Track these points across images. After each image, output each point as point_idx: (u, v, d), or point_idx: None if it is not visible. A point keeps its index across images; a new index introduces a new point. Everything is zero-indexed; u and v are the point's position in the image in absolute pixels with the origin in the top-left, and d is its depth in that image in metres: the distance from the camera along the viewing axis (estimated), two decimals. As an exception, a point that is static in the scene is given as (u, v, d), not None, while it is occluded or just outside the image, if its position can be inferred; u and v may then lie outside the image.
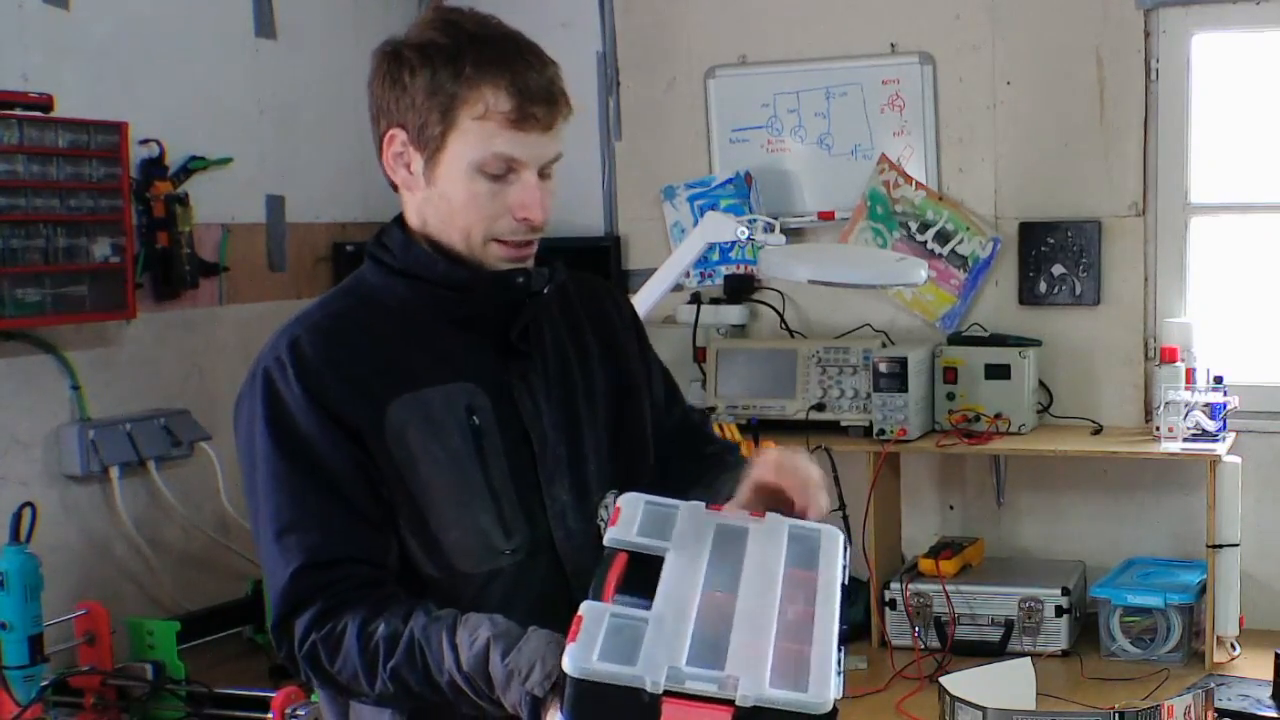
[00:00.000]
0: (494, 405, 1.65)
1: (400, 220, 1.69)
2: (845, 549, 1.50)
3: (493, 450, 1.64)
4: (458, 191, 1.61)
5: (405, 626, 1.52)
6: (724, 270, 3.78)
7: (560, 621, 1.42)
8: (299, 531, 1.58)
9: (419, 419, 1.61)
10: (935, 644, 3.26)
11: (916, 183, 3.60)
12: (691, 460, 1.85)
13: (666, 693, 1.25)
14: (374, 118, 1.66)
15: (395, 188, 1.68)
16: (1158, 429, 3.23)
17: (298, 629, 1.56)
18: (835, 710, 1.26)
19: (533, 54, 1.62)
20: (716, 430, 2.73)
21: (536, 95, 1.59)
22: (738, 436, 3.17)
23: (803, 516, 1.58)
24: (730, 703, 1.24)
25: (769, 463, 1.65)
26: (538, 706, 1.40)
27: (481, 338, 1.67)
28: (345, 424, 1.59)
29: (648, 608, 1.34)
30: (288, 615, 1.57)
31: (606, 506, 1.71)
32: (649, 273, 3.34)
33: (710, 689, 1.25)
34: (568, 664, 1.27)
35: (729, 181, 3.74)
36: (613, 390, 1.77)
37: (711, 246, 3.37)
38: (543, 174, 1.63)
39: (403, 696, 1.54)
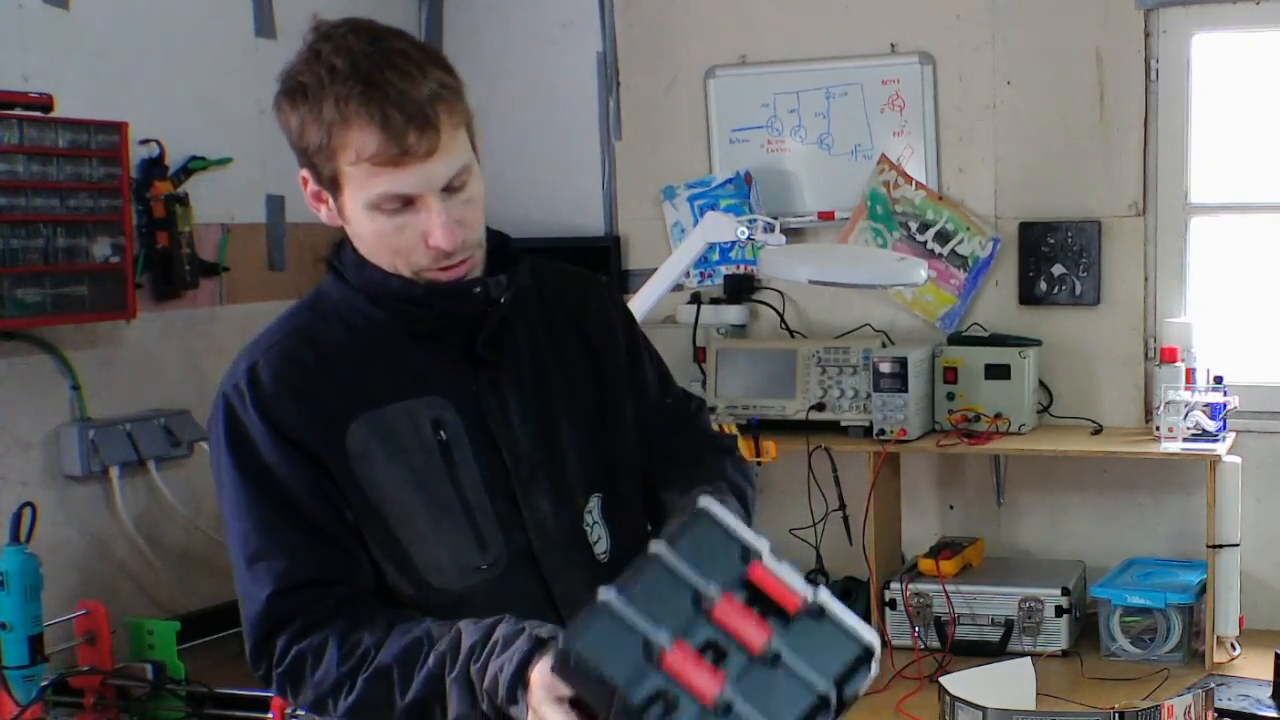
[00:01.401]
0: (462, 417, 1.63)
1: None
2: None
3: (464, 463, 1.62)
4: (365, 230, 1.59)
5: (387, 636, 1.53)
6: (724, 270, 3.78)
7: None
8: (267, 558, 1.60)
9: (381, 437, 1.60)
10: (935, 644, 3.26)
11: (916, 183, 3.60)
12: (667, 457, 1.82)
13: (756, 558, 1.30)
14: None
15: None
16: (1158, 429, 3.23)
17: (278, 646, 1.58)
18: (873, 653, 1.31)
19: (399, 73, 1.51)
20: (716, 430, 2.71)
21: (404, 127, 1.50)
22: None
23: None
24: (799, 596, 1.30)
25: None
26: (526, 662, 1.40)
27: (446, 349, 1.65)
28: (305, 449, 1.58)
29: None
30: (265, 638, 1.59)
31: (591, 512, 1.69)
32: (649, 273, 3.34)
33: (792, 579, 1.30)
34: (602, 594, 1.26)
35: (729, 181, 3.74)
36: (594, 385, 1.75)
37: (711, 246, 3.37)
38: (451, 188, 1.57)
39: (377, 708, 1.53)
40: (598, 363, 1.77)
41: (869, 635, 1.31)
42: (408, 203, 1.55)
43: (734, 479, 1.78)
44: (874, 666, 1.33)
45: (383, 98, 1.50)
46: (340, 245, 1.69)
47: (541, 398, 1.69)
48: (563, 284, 1.80)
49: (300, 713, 1.70)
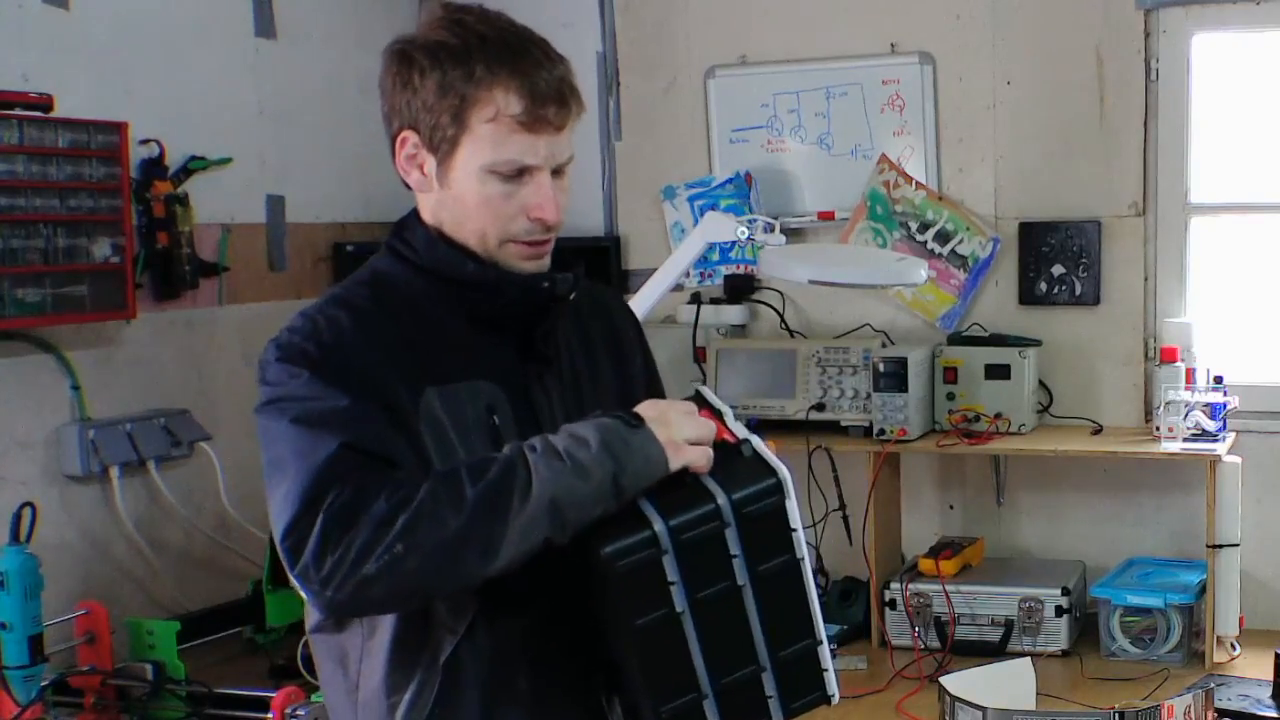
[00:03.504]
0: (512, 407, 1.65)
1: (419, 216, 1.69)
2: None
3: None
4: (471, 194, 1.61)
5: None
6: (724, 270, 3.78)
7: (579, 614, 1.53)
8: (338, 426, 1.51)
9: (449, 411, 1.60)
10: (935, 644, 3.26)
11: (916, 183, 3.60)
12: None
13: (706, 408, 1.62)
14: (386, 118, 1.65)
15: (409, 187, 1.68)
16: (1158, 429, 3.23)
17: (326, 502, 1.46)
18: (784, 486, 1.55)
19: (542, 51, 1.62)
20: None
21: (548, 96, 1.59)
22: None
23: None
24: (736, 437, 1.58)
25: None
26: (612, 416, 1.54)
27: (502, 338, 1.67)
28: (383, 394, 1.56)
29: None
30: (313, 501, 1.46)
31: None
32: (649, 273, 3.34)
33: (736, 427, 1.59)
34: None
35: (729, 181, 3.74)
36: (619, 398, 1.78)
37: (711, 246, 3.37)
38: (557, 173, 1.63)
39: (439, 514, 1.45)
40: (621, 375, 1.82)
41: (783, 470, 1.54)
42: (522, 172, 1.60)
43: None
44: (790, 495, 1.56)
45: (533, 65, 1.59)
46: (403, 227, 1.70)
47: (577, 400, 1.73)
48: (595, 295, 1.84)
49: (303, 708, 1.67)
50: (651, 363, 1.92)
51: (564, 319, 1.73)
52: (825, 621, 3.46)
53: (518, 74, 1.58)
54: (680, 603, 1.52)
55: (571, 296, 1.70)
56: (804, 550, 1.57)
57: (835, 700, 1.63)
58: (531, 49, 1.61)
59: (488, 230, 1.63)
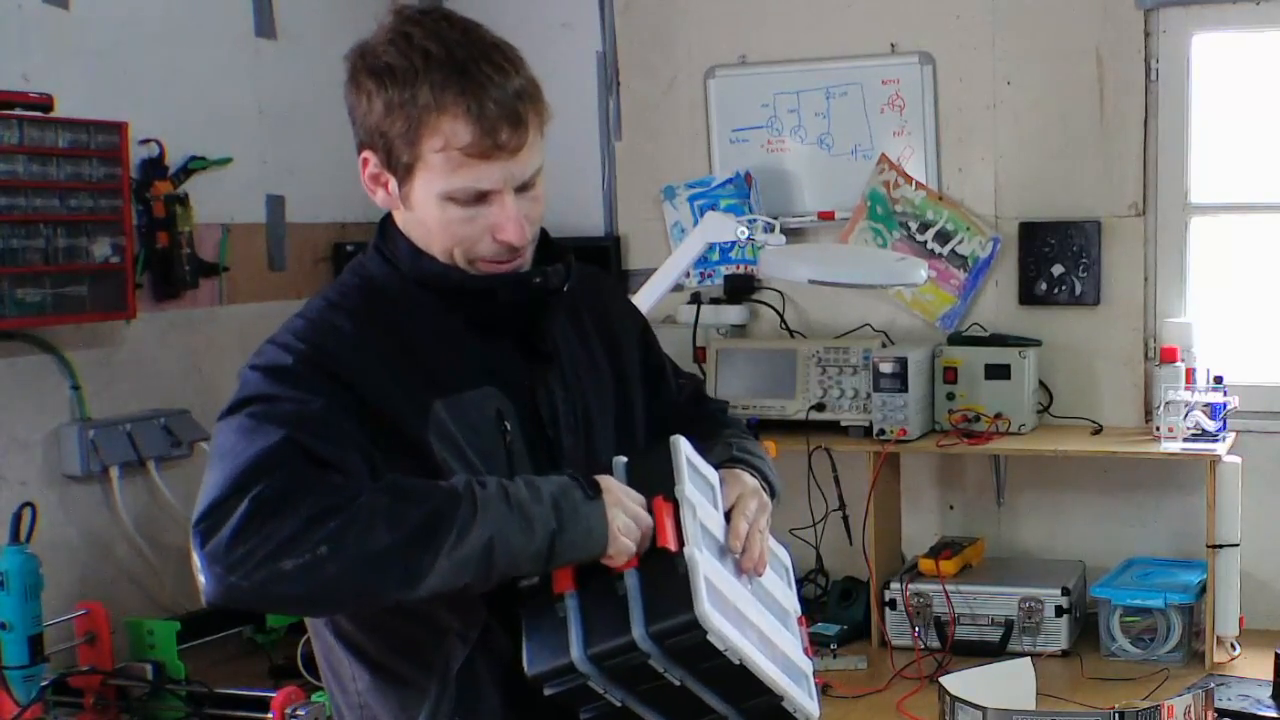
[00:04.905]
0: (517, 410, 1.62)
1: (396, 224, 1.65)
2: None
3: (519, 454, 1.61)
4: (432, 218, 1.57)
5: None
6: (724, 270, 3.78)
7: None
8: (290, 423, 1.44)
9: (461, 424, 1.56)
10: (935, 644, 3.26)
11: (916, 183, 3.60)
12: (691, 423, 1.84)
13: (664, 495, 1.52)
14: (353, 132, 1.62)
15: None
16: (1158, 429, 3.23)
17: (248, 495, 1.38)
18: (703, 622, 1.43)
19: (493, 66, 1.53)
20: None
21: (498, 121, 1.51)
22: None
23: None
24: (675, 546, 1.49)
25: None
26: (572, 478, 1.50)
27: (501, 338, 1.64)
28: (384, 415, 1.51)
29: None
30: (234, 492, 1.38)
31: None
32: (649, 273, 3.34)
33: (691, 527, 1.51)
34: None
35: (729, 181, 3.74)
36: (614, 382, 1.76)
37: (711, 246, 3.36)
38: (524, 188, 1.58)
39: (371, 528, 1.39)
40: (617, 360, 1.78)
41: (702, 608, 1.43)
42: (482, 196, 1.55)
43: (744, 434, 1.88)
44: (710, 632, 1.44)
45: (480, 90, 1.50)
46: (386, 234, 1.66)
47: (579, 393, 1.70)
48: (586, 283, 1.79)
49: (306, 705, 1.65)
50: (648, 335, 1.87)
51: (559, 313, 1.70)
52: (825, 621, 3.47)
53: (464, 97, 1.50)
54: (618, 699, 1.50)
55: (565, 288, 1.66)
56: (743, 653, 1.49)
57: (816, 718, 1.62)
58: (480, 65, 1.51)
59: (453, 251, 1.59)
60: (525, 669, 1.48)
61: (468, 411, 1.58)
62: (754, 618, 1.56)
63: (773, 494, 1.73)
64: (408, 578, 1.41)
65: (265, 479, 1.39)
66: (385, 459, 1.50)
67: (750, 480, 1.68)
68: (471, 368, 1.61)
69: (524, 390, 1.64)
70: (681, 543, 1.48)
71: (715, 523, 1.58)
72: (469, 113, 1.50)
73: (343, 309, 1.60)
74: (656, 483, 1.52)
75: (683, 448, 1.57)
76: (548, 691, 1.48)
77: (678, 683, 1.49)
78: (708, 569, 1.47)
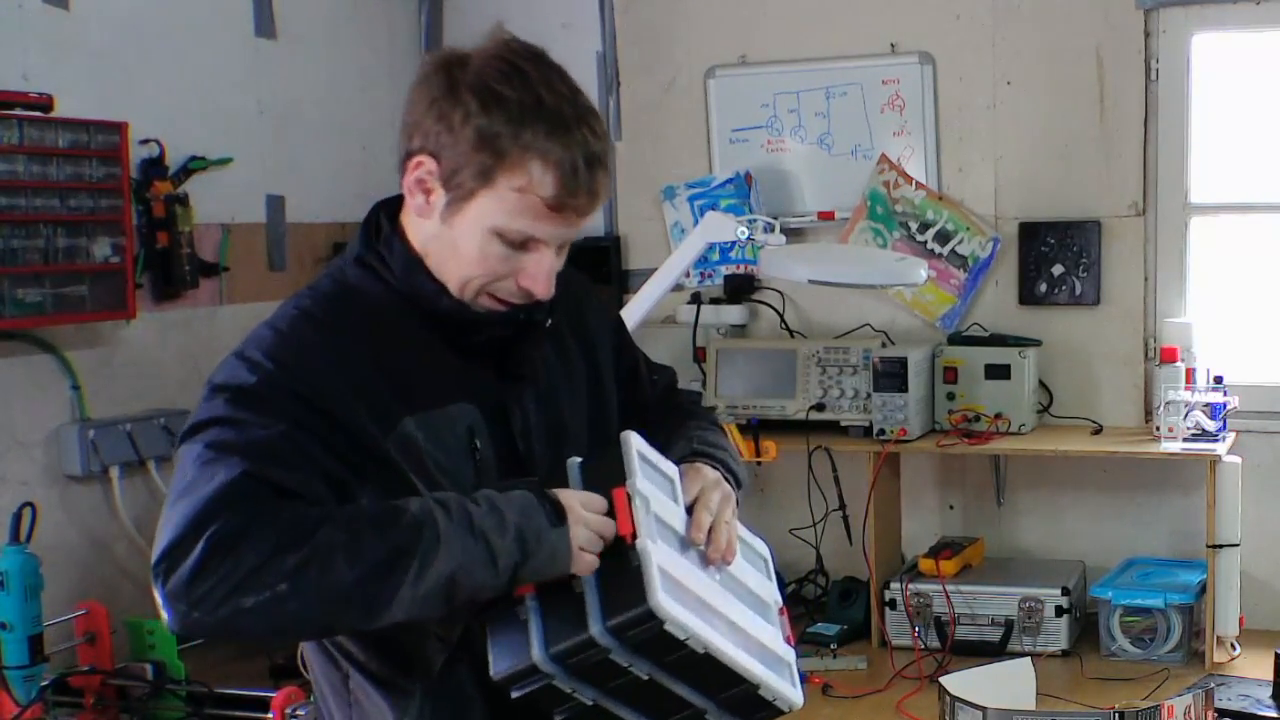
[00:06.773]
0: (489, 427, 1.61)
1: (400, 230, 1.62)
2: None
3: (486, 471, 1.60)
4: (470, 246, 1.55)
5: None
6: (724, 270, 3.78)
7: None
8: (248, 454, 1.43)
9: (431, 440, 1.56)
10: (935, 644, 3.26)
11: (916, 183, 3.60)
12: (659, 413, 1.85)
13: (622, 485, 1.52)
14: (405, 128, 1.57)
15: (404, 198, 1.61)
16: (1158, 429, 3.24)
17: (207, 532, 1.39)
18: (658, 613, 1.43)
19: (592, 133, 1.55)
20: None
21: (580, 186, 1.53)
22: (738, 437, 3.17)
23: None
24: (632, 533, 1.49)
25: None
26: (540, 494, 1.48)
27: (479, 359, 1.63)
28: (348, 429, 1.50)
29: None
30: (193, 530, 1.40)
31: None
32: (649, 273, 3.34)
33: (644, 520, 1.50)
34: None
35: (729, 181, 3.74)
36: (589, 383, 1.76)
37: (711, 246, 3.37)
38: (562, 246, 1.59)
39: (330, 561, 1.39)
40: (593, 360, 1.78)
41: (655, 598, 1.43)
42: (527, 242, 1.55)
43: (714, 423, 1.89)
44: (668, 622, 1.44)
45: (578, 152, 1.52)
46: (377, 237, 1.64)
47: (554, 408, 1.69)
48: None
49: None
50: (621, 336, 1.86)
51: (541, 341, 1.69)
52: (825, 621, 3.47)
53: (563, 155, 1.51)
54: (589, 698, 1.50)
55: (549, 324, 1.66)
56: (707, 642, 1.49)
57: (799, 705, 1.62)
58: (580, 126, 1.53)
59: (472, 281, 1.57)
60: (491, 672, 1.48)
61: (439, 428, 1.57)
62: (721, 607, 1.55)
63: (737, 484, 1.73)
64: (368, 612, 1.42)
65: (222, 517, 1.40)
66: (355, 477, 1.50)
67: (711, 473, 1.67)
68: (447, 384, 1.60)
69: (498, 409, 1.63)
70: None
71: (674, 515, 1.58)
72: (559, 166, 1.51)
73: (315, 318, 1.58)
74: (610, 481, 1.53)
75: (633, 443, 1.57)
76: (515, 694, 1.48)
77: (645, 677, 1.49)
78: (663, 560, 1.48)
